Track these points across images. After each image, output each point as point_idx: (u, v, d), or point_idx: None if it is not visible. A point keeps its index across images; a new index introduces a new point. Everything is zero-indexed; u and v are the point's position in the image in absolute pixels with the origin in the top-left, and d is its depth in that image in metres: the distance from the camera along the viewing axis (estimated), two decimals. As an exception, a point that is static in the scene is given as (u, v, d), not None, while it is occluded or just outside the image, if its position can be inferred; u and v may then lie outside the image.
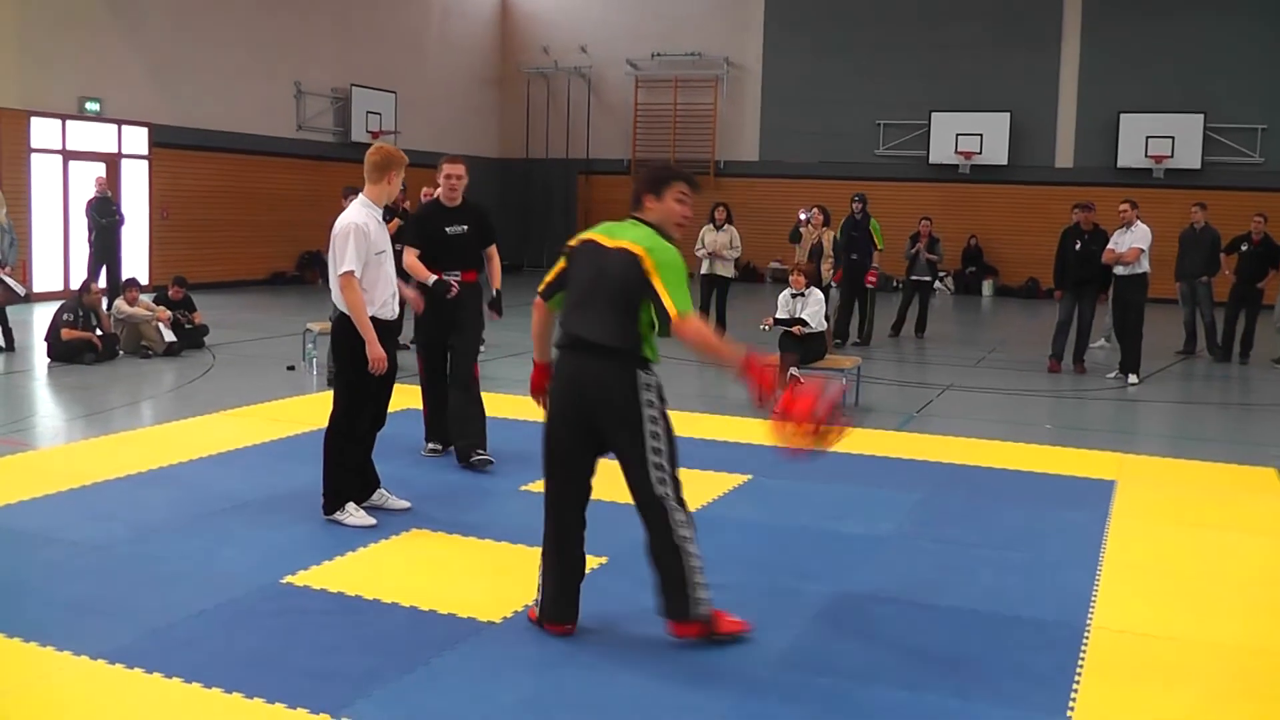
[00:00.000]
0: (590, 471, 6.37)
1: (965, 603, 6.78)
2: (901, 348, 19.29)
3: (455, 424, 9.89)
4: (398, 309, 8.25)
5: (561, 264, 6.30)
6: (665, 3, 35.29)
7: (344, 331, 7.93)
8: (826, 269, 18.03)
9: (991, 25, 31.93)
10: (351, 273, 7.75)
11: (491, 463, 9.67)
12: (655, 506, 6.13)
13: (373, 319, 7.87)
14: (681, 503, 6.16)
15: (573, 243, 6.31)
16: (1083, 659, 6.01)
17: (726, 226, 18.69)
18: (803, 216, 18.89)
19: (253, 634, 6.16)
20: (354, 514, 7.97)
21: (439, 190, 9.99)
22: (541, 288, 6.34)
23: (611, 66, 35.99)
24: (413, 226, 10.33)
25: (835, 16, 33.34)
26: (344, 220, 7.87)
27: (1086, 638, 6.30)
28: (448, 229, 9.81)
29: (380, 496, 8.35)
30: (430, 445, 10.17)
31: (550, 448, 6.30)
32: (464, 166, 10.05)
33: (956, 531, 8.31)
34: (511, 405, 12.52)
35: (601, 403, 6.11)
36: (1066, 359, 16.81)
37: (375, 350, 7.77)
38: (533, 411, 12.20)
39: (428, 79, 33.99)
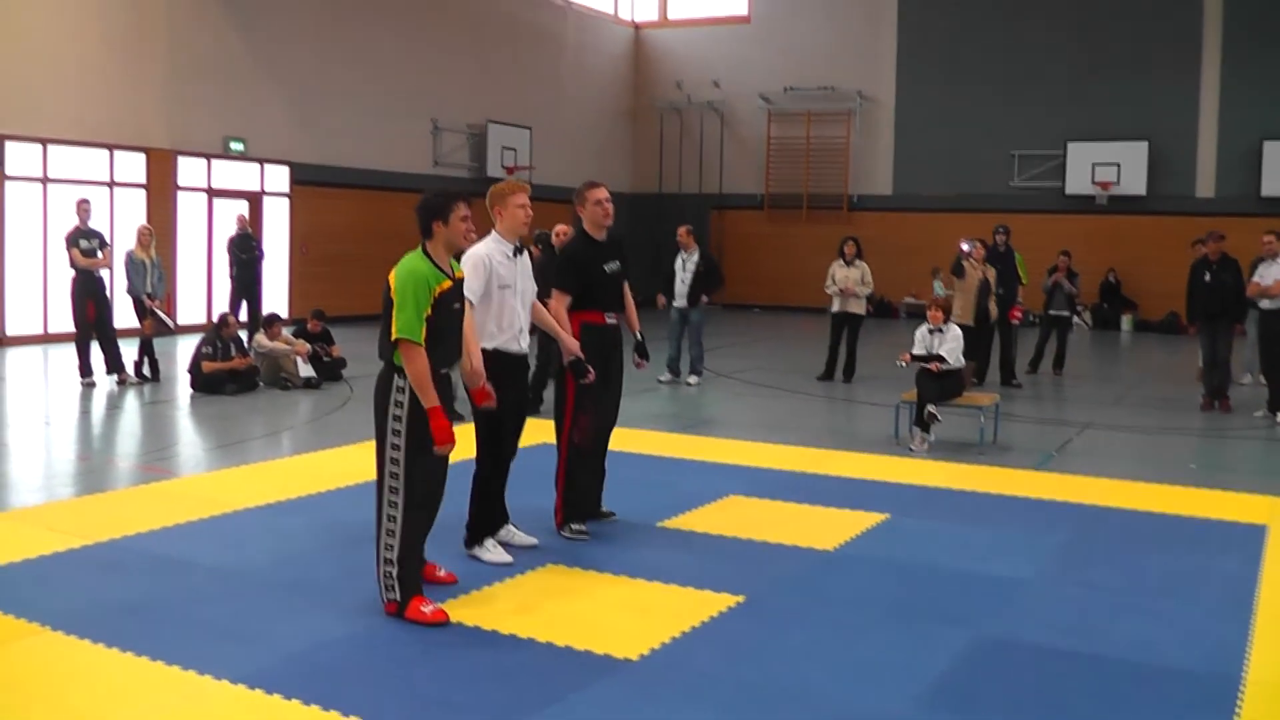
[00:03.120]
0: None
1: (1110, 651, 6.58)
2: (1039, 384, 18.97)
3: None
4: (525, 344, 8.13)
5: None
6: (797, 36, 35.23)
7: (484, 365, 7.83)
8: (994, 305, 17.59)
9: (1128, 52, 31.36)
10: (468, 301, 7.64)
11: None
12: (381, 490, 6.85)
13: (496, 351, 7.84)
14: (399, 492, 6.81)
15: None
16: (1238, 715, 5.78)
17: (857, 262, 18.45)
18: (965, 248, 18.07)
19: (388, 663, 6.18)
20: (492, 550, 7.96)
21: (586, 221, 9.05)
22: None
23: (744, 100, 35.99)
24: (568, 268, 8.83)
25: (968, 47, 33.04)
26: (469, 251, 7.83)
27: (1241, 692, 6.05)
28: (606, 267, 8.91)
29: (508, 533, 8.31)
30: (575, 527, 8.80)
31: None
32: (607, 191, 9.27)
33: (1100, 576, 8.07)
34: (637, 440, 12.53)
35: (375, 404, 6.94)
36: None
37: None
38: (657, 447, 12.20)
39: (562, 114, 34.24)
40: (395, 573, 6.81)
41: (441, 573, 7.44)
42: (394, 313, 6.66)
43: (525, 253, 8.22)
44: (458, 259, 7.24)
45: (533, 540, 8.34)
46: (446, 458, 6.95)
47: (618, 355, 9.02)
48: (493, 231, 8.08)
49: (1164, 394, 18.02)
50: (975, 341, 16.48)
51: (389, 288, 6.75)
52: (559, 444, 8.82)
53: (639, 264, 17.63)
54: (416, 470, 6.81)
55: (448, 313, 6.87)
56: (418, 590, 6.87)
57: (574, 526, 8.75)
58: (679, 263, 17.87)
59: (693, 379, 17.78)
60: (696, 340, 17.88)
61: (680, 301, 17.82)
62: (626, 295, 9.16)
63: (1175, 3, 30.71)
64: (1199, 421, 15.51)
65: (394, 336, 6.65)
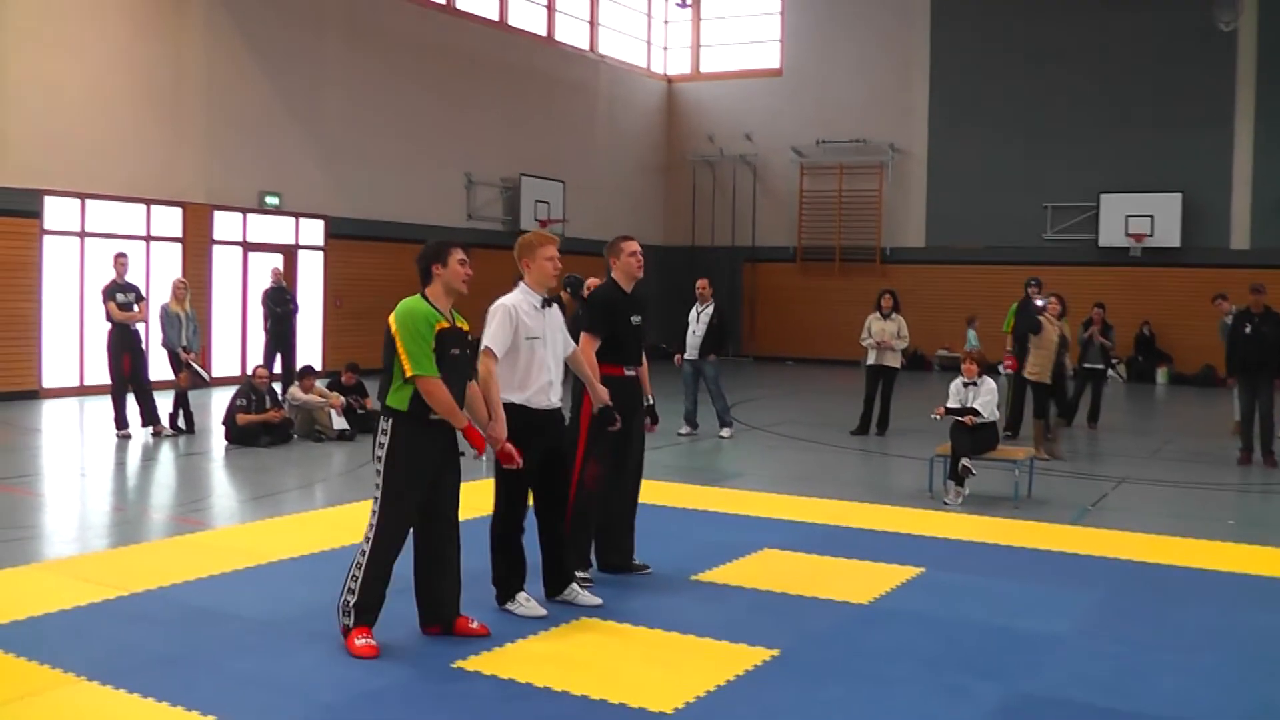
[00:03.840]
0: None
1: (1148, 708, 6.50)
2: (1074, 438, 18.86)
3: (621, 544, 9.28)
4: (556, 398, 8.09)
5: None
6: (829, 89, 35.33)
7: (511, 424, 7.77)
8: (1070, 360, 17.30)
9: (1161, 104, 31.30)
10: (490, 350, 7.69)
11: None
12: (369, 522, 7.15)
13: (522, 407, 7.82)
14: (373, 528, 7.10)
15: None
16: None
17: (894, 315, 18.44)
18: (1039, 303, 17.37)
19: (423, 715, 6.19)
20: (524, 604, 7.93)
21: (617, 272, 9.09)
22: None
23: (776, 153, 36.08)
24: (599, 313, 8.88)
25: (1000, 99, 33.05)
26: (497, 301, 7.88)
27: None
28: (632, 318, 8.99)
29: (571, 592, 8.22)
30: (581, 576, 8.67)
31: None
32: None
33: (1138, 632, 7.99)
34: (670, 493, 12.53)
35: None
36: (1257, 451, 16.14)
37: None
38: (690, 500, 12.19)
39: (595, 167, 34.41)
40: (352, 601, 7.09)
41: (474, 625, 7.43)
42: (400, 352, 6.96)
43: (554, 305, 8.20)
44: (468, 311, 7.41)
45: (597, 601, 8.18)
46: (430, 500, 7.23)
47: (638, 407, 9.06)
48: (520, 283, 8.08)
49: (1201, 448, 17.90)
50: (1057, 396, 16.73)
51: (389, 330, 7.04)
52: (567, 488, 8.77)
53: (671, 317, 17.72)
54: (391, 510, 7.08)
55: (447, 355, 7.09)
56: (366, 622, 7.10)
57: (577, 574, 8.63)
58: (693, 314, 17.77)
59: (725, 432, 17.70)
60: (718, 393, 17.77)
61: (692, 354, 17.73)
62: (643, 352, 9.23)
63: (1208, 54, 30.60)
64: (1236, 476, 15.41)
65: (408, 374, 6.93)
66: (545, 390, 7.96)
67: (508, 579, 8.01)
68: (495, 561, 8.02)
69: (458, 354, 7.17)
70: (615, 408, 8.57)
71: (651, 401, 9.36)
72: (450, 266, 7.19)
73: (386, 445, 7.07)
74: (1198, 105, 30.94)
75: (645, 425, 9.30)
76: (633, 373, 8.99)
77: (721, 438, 17.54)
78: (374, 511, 7.10)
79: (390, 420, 7.09)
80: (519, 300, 7.94)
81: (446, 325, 7.11)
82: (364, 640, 6.99)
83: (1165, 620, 8.31)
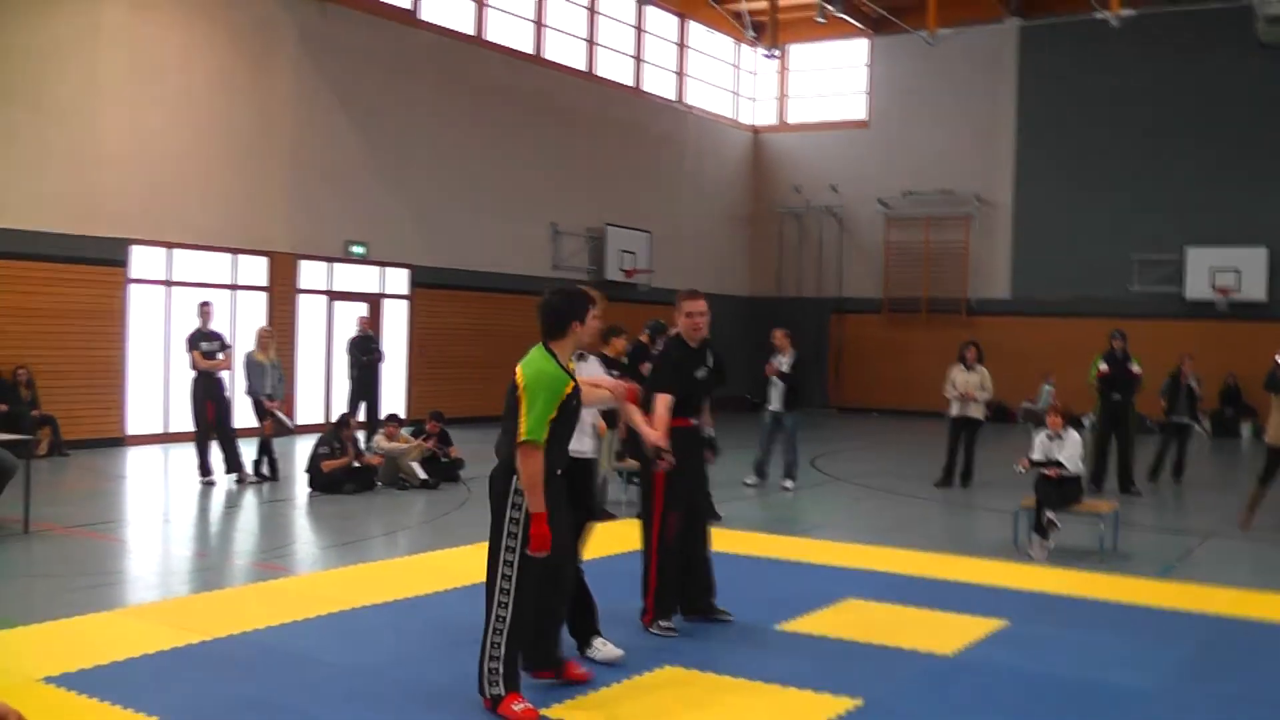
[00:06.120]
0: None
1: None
2: (1159, 492, 18.60)
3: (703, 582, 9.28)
4: (586, 447, 8.01)
5: None
6: (915, 141, 35.26)
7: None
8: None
9: (1247, 157, 30.94)
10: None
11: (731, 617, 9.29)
12: (493, 589, 6.91)
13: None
14: (510, 593, 6.86)
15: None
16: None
17: (977, 367, 18.29)
18: None
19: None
20: (603, 648, 7.90)
21: (679, 329, 9.21)
22: None
23: (862, 205, 36.02)
24: (669, 370, 8.99)
25: (1086, 150, 32.82)
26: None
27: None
28: (696, 374, 9.09)
29: (593, 650, 8.02)
30: (664, 624, 8.82)
31: None
32: (705, 303, 9.18)
33: (1226, 688, 7.86)
34: (752, 543, 12.49)
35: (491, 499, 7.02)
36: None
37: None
38: (773, 550, 12.14)
39: (680, 218, 34.49)
40: (500, 669, 6.81)
41: (580, 670, 7.45)
42: (522, 412, 6.69)
43: (588, 359, 8.19)
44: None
45: (619, 653, 8.01)
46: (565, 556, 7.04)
47: (701, 457, 9.17)
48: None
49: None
50: None
51: (516, 386, 6.78)
52: (648, 542, 8.84)
53: (755, 368, 17.62)
54: (530, 570, 6.83)
55: (569, 415, 6.95)
56: (516, 688, 6.85)
57: (662, 624, 8.76)
58: (777, 363, 17.68)
59: (788, 483, 17.50)
60: (791, 446, 17.61)
61: (775, 405, 17.66)
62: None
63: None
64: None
65: (521, 437, 6.66)
66: (577, 437, 7.80)
67: (578, 624, 8.01)
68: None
69: (576, 406, 7.04)
70: (687, 457, 8.63)
71: (713, 434, 9.47)
72: (588, 325, 7.11)
73: (524, 505, 6.77)
74: (1285, 158, 30.61)
75: (706, 456, 9.40)
76: (697, 423, 9.10)
77: (785, 489, 17.39)
78: (507, 575, 6.85)
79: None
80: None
81: (573, 387, 6.92)
82: (521, 706, 6.77)
83: (1253, 676, 8.17)
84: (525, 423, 6.65)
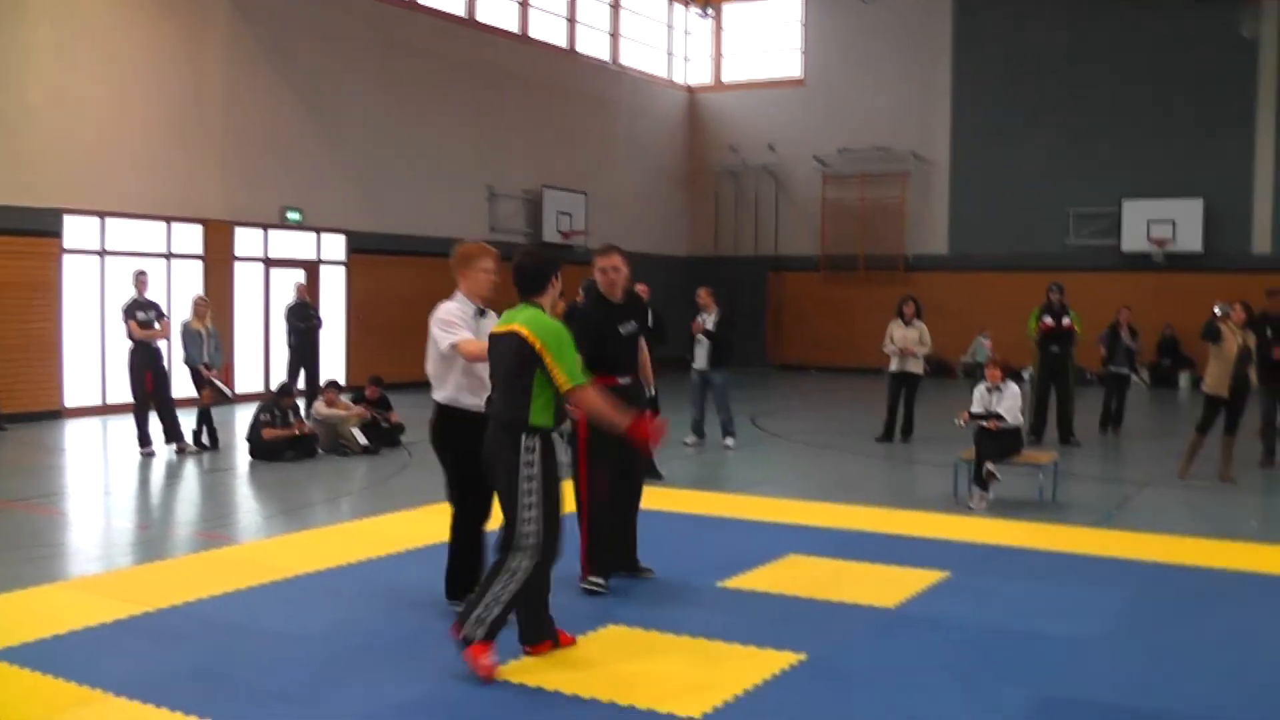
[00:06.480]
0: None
1: (1178, 710, 6.48)
2: (1101, 443, 18.78)
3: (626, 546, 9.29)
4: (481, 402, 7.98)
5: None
6: (851, 98, 35.30)
7: (444, 424, 8.12)
8: (1254, 373, 15.61)
9: (1182, 110, 31.18)
10: (454, 345, 7.89)
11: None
12: (511, 545, 6.96)
13: (451, 406, 8.07)
14: (528, 551, 6.94)
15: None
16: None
17: (916, 322, 18.42)
18: (1217, 311, 16.04)
19: (457, 728, 6.16)
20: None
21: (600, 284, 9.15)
22: None
23: (799, 163, 36.05)
24: (577, 329, 7.72)
25: (1022, 106, 32.95)
26: (443, 305, 8.14)
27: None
28: (621, 328, 9.02)
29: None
30: (594, 579, 8.82)
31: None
32: (620, 258, 9.08)
33: (1166, 634, 7.97)
34: (693, 501, 12.52)
35: (491, 458, 7.15)
36: (1280, 454, 15.99)
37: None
38: (715, 507, 12.19)
39: (617, 179, 34.42)
40: (490, 618, 6.84)
41: (569, 636, 7.47)
42: (552, 367, 6.87)
43: (488, 314, 8.20)
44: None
45: None
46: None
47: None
48: (457, 293, 8.23)
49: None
50: (1232, 414, 15.05)
51: (527, 343, 6.91)
52: (577, 499, 8.82)
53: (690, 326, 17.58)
54: (551, 528, 6.99)
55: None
56: (493, 640, 6.87)
57: (592, 579, 8.76)
58: (701, 320, 17.48)
59: (729, 441, 17.47)
60: (724, 405, 17.51)
61: (700, 364, 17.59)
62: (643, 354, 9.40)
63: (1229, 60, 30.50)
64: (1259, 478, 15.33)
65: (565, 388, 6.90)
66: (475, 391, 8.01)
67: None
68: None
69: None
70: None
71: (654, 395, 9.36)
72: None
73: (538, 463, 6.95)
74: (1218, 111, 30.83)
75: (647, 416, 9.19)
76: (626, 381, 9.00)
77: (726, 447, 17.41)
78: (525, 534, 6.92)
79: (536, 437, 6.97)
80: (457, 308, 8.11)
81: None
82: (489, 660, 6.81)
83: (1192, 622, 8.29)
84: (564, 373, 6.88)
